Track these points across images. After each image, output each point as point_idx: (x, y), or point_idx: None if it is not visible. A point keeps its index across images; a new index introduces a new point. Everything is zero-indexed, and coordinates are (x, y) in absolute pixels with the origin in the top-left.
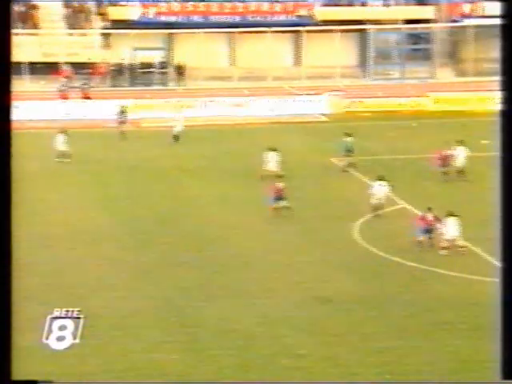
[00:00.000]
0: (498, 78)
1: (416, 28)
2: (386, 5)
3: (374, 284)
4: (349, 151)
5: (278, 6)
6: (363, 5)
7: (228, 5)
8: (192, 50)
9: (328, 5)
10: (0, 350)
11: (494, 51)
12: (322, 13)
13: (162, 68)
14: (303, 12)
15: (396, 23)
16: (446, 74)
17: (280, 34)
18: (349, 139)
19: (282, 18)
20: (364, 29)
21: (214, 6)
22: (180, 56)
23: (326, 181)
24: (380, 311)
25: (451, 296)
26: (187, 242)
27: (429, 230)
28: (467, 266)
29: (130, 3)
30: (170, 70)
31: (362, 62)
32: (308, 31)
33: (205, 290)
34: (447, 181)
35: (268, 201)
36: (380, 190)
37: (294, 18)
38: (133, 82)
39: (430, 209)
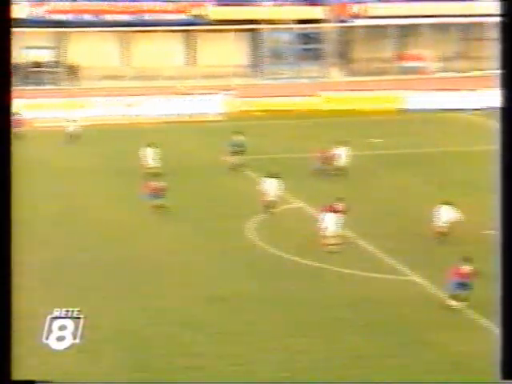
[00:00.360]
0: (387, 77)
1: (307, 28)
2: (278, 5)
3: (270, 282)
4: (240, 150)
5: (170, 6)
6: (255, 5)
7: (120, 4)
8: (85, 49)
9: (221, 4)
10: (0, 350)
11: (383, 51)
12: (215, 12)
13: (54, 67)
14: (196, 11)
15: (288, 23)
16: (336, 74)
17: (173, 34)
18: (240, 138)
19: (175, 17)
20: (256, 28)
21: (106, 5)
22: (73, 55)
23: (220, 180)
24: (277, 309)
25: (346, 293)
26: (81, 242)
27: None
28: (361, 263)
29: (17, 1)
30: (62, 69)
31: (256, 62)
32: (201, 31)
33: (99, 291)
34: (336, 179)
35: (144, 198)
36: (272, 188)
37: (186, 18)
38: (24, 82)
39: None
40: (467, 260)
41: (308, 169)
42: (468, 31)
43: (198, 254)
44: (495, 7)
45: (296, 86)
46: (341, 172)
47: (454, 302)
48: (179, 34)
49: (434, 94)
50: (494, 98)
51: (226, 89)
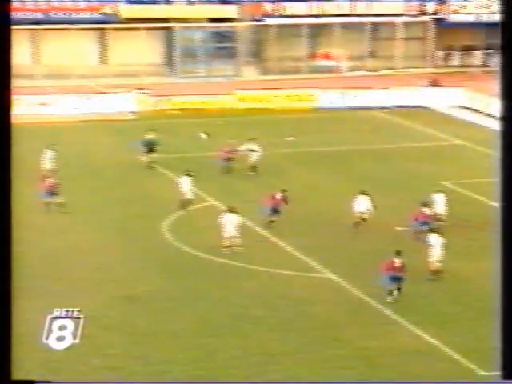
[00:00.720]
0: (301, 75)
1: (220, 26)
2: (191, 3)
3: (184, 282)
4: (153, 148)
5: (82, 4)
6: (168, 3)
7: (30, 2)
8: None
9: (132, 2)
10: (0, 350)
11: (296, 50)
12: (127, 11)
13: None
14: (108, 10)
15: (201, 21)
16: (250, 73)
17: (85, 32)
18: (153, 136)
19: (87, 15)
20: (169, 27)
21: (16, 3)
22: None
23: (133, 179)
24: (190, 309)
25: (260, 291)
26: None
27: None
28: (275, 261)
29: None
30: None
31: (169, 60)
32: (113, 29)
33: (12, 292)
34: (249, 177)
35: (40, 196)
36: (187, 187)
37: (98, 16)
38: None
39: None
40: (399, 254)
41: (228, 167)
42: (378, 31)
43: (112, 254)
44: (404, 7)
45: (210, 84)
46: (253, 170)
47: (390, 298)
48: (92, 32)
49: (346, 93)
50: (403, 96)
51: (140, 87)
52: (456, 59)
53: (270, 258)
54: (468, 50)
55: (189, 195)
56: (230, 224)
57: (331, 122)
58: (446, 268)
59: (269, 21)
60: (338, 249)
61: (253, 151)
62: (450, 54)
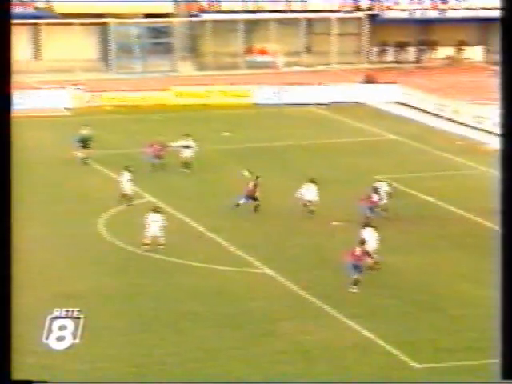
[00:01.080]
0: (237, 71)
1: (156, 22)
2: None
3: (120, 278)
4: (88, 144)
5: None
6: None
7: None
8: None
9: None
10: (0, 350)
11: (232, 45)
12: (61, 6)
13: None
14: (41, 4)
15: (136, 17)
16: (187, 68)
17: (18, 27)
18: (86, 132)
19: (20, 10)
20: (104, 22)
21: None
22: None
23: (68, 175)
24: (126, 305)
25: (198, 287)
26: None
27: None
28: (212, 256)
29: None
30: None
31: (104, 56)
32: (47, 24)
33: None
34: (185, 173)
35: None
36: (127, 183)
37: (31, 11)
38: None
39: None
40: (363, 243)
41: (165, 164)
42: (314, 26)
43: (47, 251)
44: (339, 3)
45: (146, 80)
46: (186, 167)
47: (353, 288)
48: (25, 27)
49: (283, 89)
50: (339, 92)
51: (75, 83)
52: (390, 55)
53: (207, 254)
54: (402, 46)
55: (129, 191)
56: (155, 224)
57: (268, 117)
58: (380, 261)
59: (205, 16)
60: (275, 244)
61: (187, 147)
62: (384, 50)
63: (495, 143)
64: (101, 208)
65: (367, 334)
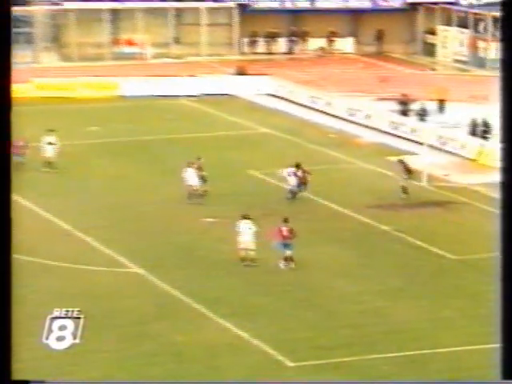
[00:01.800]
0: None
1: (16, 10)
2: None
3: None
4: None
5: None
6: None
7: None
8: None
9: None
10: (0, 350)
11: (98, 36)
12: None
13: None
14: None
15: None
16: (49, 59)
17: None
18: None
19: None
20: None
21: None
22: None
23: None
24: None
25: (62, 288)
26: None
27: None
28: (79, 256)
29: None
30: None
31: None
32: None
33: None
34: (47, 170)
35: None
36: None
37: None
38: None
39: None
40: (286, 221)
41: (17, 161)
42: (182, 16)
43: None
44: None
45: None
46: (48, 166)
47: (283, 263)
48: None
49: (151, 81)
50: (210, 84)
51: None
52: (261, 46)
53: (75, 254)
54: (272, 36)
55: None
56: None
57: (136, 110)
58: (256, 258)
59: (68, 4)
60: (146, 242)
61: (50, 144)
62: (256, 41)
63: (368, 136)
64: None
65: (242, 333)
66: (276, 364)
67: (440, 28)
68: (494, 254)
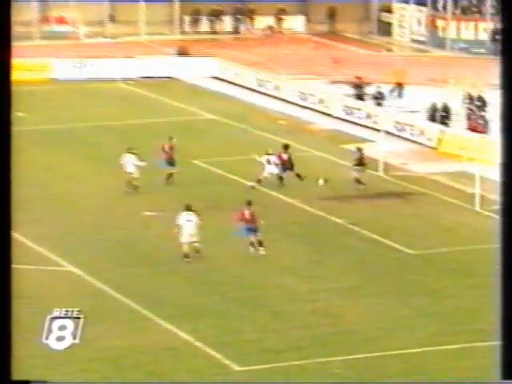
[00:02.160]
0: (31, 42)
1: None
2: None
3: None
4: None
5: None
6: None
7: None
8: None
9: None
10: (0, 350)
11: (25, 13)
12: None
13: None
14: None
15: None
16: None
17: None
18: None
19: None
20: None
21: None
22: None
23: None
24: None
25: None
26: None
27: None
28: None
29: None
30: None
31: None
32: None
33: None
34: None
35: None
36: None
37: None
38: None
39: None
40: (249, 204)
41: None
42: None
43: None
44: None
45: None
46: None
47: (251, 249)
48: None
49: (85, 62)
50: (149, 66)
51: None
52: (204, 25)
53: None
54: (216, 14)
55: None
56: None
57: (69, 95)
58: (200, 249)
59: None
60: (80, 238)
61: None
62: (198, 19)
63: (321, 122)
64: None
65: (185, 336)
66: (222, 368)
67: (396, 5)
68: (453, 248)
